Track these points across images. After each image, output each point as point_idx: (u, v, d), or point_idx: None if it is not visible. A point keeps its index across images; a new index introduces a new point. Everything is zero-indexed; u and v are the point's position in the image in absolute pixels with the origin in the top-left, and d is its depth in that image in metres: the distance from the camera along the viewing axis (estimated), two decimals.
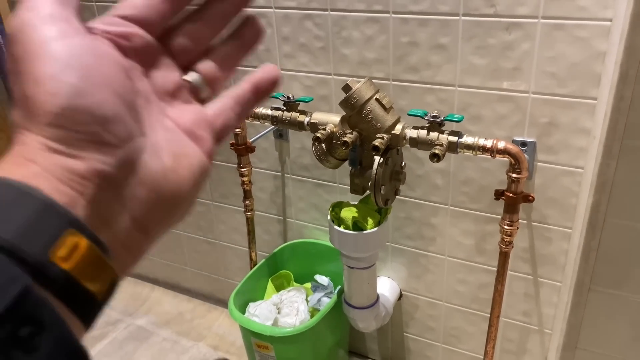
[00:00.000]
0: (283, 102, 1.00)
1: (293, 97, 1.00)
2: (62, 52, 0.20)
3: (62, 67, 0.20)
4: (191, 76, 0.26)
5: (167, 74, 0.25)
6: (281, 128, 1.17)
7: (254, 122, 1.07)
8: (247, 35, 0.27)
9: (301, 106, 1.01)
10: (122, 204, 0.21)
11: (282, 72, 1.17)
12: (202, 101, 0.26)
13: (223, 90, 0.27)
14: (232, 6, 0.26)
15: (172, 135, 0.24)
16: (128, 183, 0.21)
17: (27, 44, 0.20)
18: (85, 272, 0.19)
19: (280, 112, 1.01)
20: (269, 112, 1.02)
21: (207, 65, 0.26)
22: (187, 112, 0.25)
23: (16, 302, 0.17)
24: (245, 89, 0.27)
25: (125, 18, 0.23)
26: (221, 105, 0.26)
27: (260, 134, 1.15)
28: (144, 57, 0.24)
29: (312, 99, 1.06)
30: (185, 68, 0.26)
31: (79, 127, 0.20)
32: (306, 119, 0.98)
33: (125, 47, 0.23)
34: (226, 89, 0.27)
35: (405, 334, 1.34)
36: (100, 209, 0.20)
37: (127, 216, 0.21)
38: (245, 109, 0.27)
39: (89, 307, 0.20)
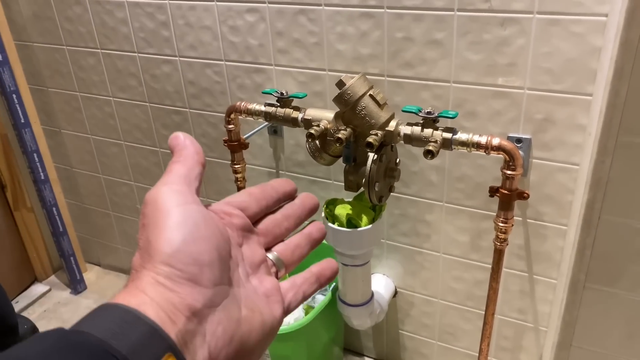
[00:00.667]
0: (277, 98, 0.99)
1: (287, 93, 0.99)
2: (180, 213, 0.27)
3: (179, 223, 0.26)
4: (272, 254, 0.33)
5: (255, 249, 0.32)
6: (275, 124, 1.17)
7: (248, 118, 1.06)
8: (314, 233, 0.35)
9: (295, 102, 1.00)
10: (203, 338, 0.25)
11: (276, 67, 1.16)
12: (277, 278, 0.33)
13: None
14: (304, 211, 0.36)
15: (252, 295, 0.29)
16: (210, 320, 0.26)
17: (157, 205, 0.27)
18: None
19: (273, 108, 1.00)
20: (263, 108, 1.02)
21: (283, 248, 0.34)
22: (266, 281, 0.31)
23: None
24: (312, 273, 0.34)
25: (231, 204, 0.32)
26: (293, 282, 0.33)
27: (254, 131, 1.14)
28: (241, 233, 0.31)
29: (306, 95, 1.05)
30: (267, 249, 0.33)
31: (182, 267, 0.25)
32: (300, 115, 0.97)
33: (227, 222, 0.31)
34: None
35: (400, 331, 1.33)
36: (186, 338, 0.24)
37: (206, 350, 0.25)
38: (311, 290, 0.34)
39: None
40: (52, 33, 1.43)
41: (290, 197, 0.36)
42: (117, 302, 0.24)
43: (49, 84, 1.53)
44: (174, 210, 0.27)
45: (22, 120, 1.50)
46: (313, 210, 0.36)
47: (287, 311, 0.32)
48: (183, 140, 0.30)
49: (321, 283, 0.34)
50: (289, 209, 0.35)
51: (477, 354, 1.07)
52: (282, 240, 0.35)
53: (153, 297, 0.24)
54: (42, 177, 1.57)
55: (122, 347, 0.22)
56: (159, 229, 0.26)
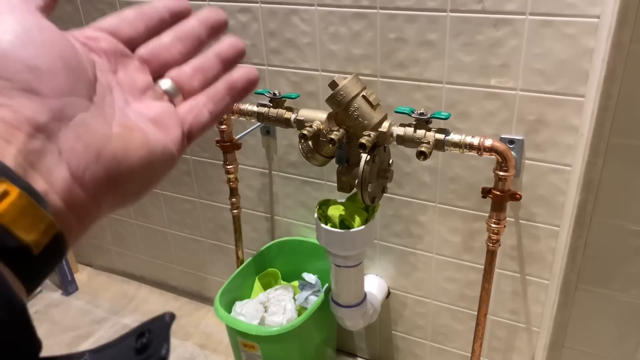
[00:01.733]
0: (269, 99, 0.99)
1: (279, 93, 0.99)
2: (9, 20, 0.22)
3: (5, 30, 0.21)
4: (163, 81, 0.28)
5: (136, 75, 0.27)
6: (267, 125, 1.16)
7: (240, 118, 1.05)
8: (225, 50, 0.29)
9: (288, 103, 1.00)
10: (58, 155, 0.21)
11: (269, 67, 1.15)
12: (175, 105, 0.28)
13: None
14: (203, 29, 0.29)
15: (130, 115, 0.25)
16: (63, 135, 0.21)
17: None
18: (17, 220, 0.19)
19: (266, 109, 0.99)
20: (255, 108, 1.01)
21: (178, 73, 0.28)
22: (154, 107, 0.27)
23: None
24: (220, 88, 0.28)
25: (96, 28, 0.27)
26: (194, 102, 0.28)
27: (247, 131, 1.14)
28: (113, 59, 0.27)
29: (299, 96, 1.05)
30: (161, 75, 0.28)
31: (10, 75, 0.21)
32: (292, 116, 0.97)
33: (92, 47, 0.26)
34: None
35: (393, 332, 1.33)
36: (32, 158, 0.20)
37: (64, 169, 0.21)
38: (220, 108, 0.28)
39: (24, 260, 0.19)
40: None
41: (181, 17, 0.29)
42: None
43: None
44: (3, 15, 0.22)
45: None
46: (216, 28, 0.30)
47: (189, 135, 0.27)
48: None
49: (233, 96, 0.29)
50: (181, 29, 0.29)
51: (470, 355, 1.07)
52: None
53: None
54: None
55: None
56: None
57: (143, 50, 0.28)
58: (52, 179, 0.21)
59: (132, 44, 0.28)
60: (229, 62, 0.29)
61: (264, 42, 1.13)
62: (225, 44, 0.29)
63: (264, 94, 0.99)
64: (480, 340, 1.03)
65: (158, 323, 0.22)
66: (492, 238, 0.92)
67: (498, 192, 0.87)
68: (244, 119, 1.05)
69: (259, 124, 1.06)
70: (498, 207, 0.89)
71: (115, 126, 0.24)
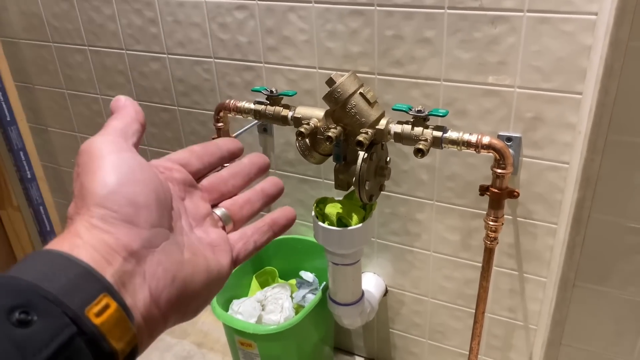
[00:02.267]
0: (266, 96, 0.98)
1: (276, 90, 0.98)
2: (115, 159, 0.27)
3: (113, 167, 0.26)
4: (219, 209, 0.33)
5: (199, 203, 0.32)
6: (264, 122, 1.16)
7: (237, 116, 1.05)
8: (268, 188, 0.35)
9: (285, 100, 0.99)
10: (143, 278, 0.25)
11: (266, 65, 1.15)
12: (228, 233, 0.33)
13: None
14: (252, 168, 0.35)
15: (195, 242, 0.29)
16: (149, 261, 0.25)
17: (91, 153, 0.27)
18: (112, 331, 0.22)
19: (263, 106, 0.99)
20: (252, 106, 1.01)
21: (232, 203, 0.34)
22: (211, 233, 0.31)
23: (66, 343, 0.21)
24: (264, 222, 0.34)
25: (171, 160, 0.32)
26: (243, 233, 0.33)
27: (244, 129, 1.13)
28: (183, 187, 0.31)
29: (296, 93, 1.05)
30: (214, 206, 0.33)
31: (117, 208, 0.25)
32: (290, 113, 0.96)
33: (168, 177, 0.31)
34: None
35: (391, 330, 1.33)
36: (124, 278, 0.24)
37: (147, 290, 0.25)
38: (264, 240, 0.33)
39: None
40: (39, 30, 1.41)
41: (236, 156, 0.35)
42: (48, 248, 0.24)
43: (36, 81, 1.51)
44: (109, 156, 0.27)
45: (8, 118, 1.48)
46: (263, 169, 0.36)
47: (236, 260, 0.31)
48: (124, 102, 0.30)
49: (275, 232, 0.34)
50: (236, 167, 0.35)
51: (468, 353, 1.07)
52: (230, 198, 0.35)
53: (87, 240, 0.24)
54: (29, 176, 1.55)
55: (53, 289, 0.21)
56: (92, 173, 0.26)
57: (206, 182, 0.33)
58: (137, 299, 0.24)
59: (197, 175, 0.33)
60: (272, 197, 0.35)
61: (261, 39, 1.12)
62: (269, 182, 0.35)
63: (260, 92, 0.99)
64: (478, 338, 1.03)
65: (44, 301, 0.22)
66: (490, 236, 0.92)
67: (496, 190, 0.87)
68: (241, 116, 1.04)
69: (255, 121, 1.06)
70: (496, 204, 0.89)
71: (186, 252, 0.28)
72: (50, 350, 0.20)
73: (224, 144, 0.35)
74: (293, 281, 1.32)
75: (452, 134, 0.83)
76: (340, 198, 1.00)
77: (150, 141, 1.41)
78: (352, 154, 0.89)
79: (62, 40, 1.39)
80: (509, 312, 1.14)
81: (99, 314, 0.22)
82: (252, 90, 1.03)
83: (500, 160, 0.84)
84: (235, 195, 0.34)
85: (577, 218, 0.94)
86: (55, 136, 1.59)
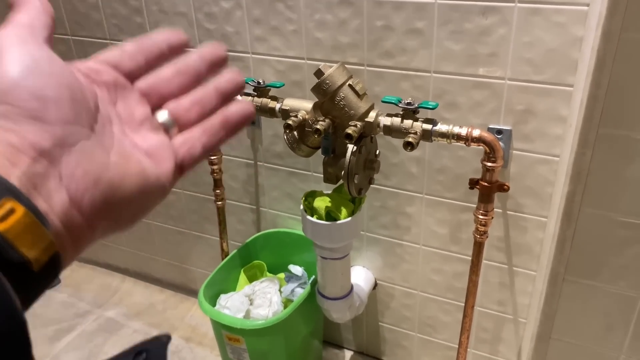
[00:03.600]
0: (253, 87, 0.97)
1: (264, 82, 0.96)
2: (17, 52, 0.24)
3: (14, 60, 0.23)
4: (160, 113, 0.29)
5: (134, 106, 0.28)
6: None
7: None
8: (222, 84, 0.30)
9: (273, 92, 0.98)
10: (59, 180, 0.22)
11: (253, 56, 1.13)
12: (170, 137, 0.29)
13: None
14: (202, 63, 0.30)
15: (127, 146, 0.26)
16: (65, 161, 0.23)
17: None
18: (21, 237, 0.20)
19: (250, 98, 0.97)
20: (239, 97, 0.99)
21: (176, 105, 0.29)
22: (150, 139, 0.28)
23: None
24: (215, 122, 0.30)
25: (98, 61, 0.28)
26: (189, 135, 0.29)
27: None
28: (113, 90, 0.28)
29: (284, 85, 1.03)
30: (159, 107, 0.30)
31: (20, 103, 0.22)
32: (277, 105, 0.94)
33: (94, 79, 0.27)
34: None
35: (380, 323, 1.33)
36: (35, 180, 0.22)
37: (64, 193, 0.23)
38: (214, 142, 0.29)
39: (24, 276, 0.20)
40: None
41: (178, 50, 0.31)
42: None
43: None
44: (10, 49, 0.24)
45: None
46: (216, 63, 0.31)
47: (181, 166, 0.28)
48: None
49: (227, 130, 0.30)
50: (181, 63, 0.30)
51: (457, 346, 1.06)
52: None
53: None
54: None
55: None
56: None
57: (143, 83, 0.29)
58: (53, 202, 0.22)
59: (133, 76, 0.29)
60: (227, 96, 0.30)
61: (248, 29, 1.10)
62: (225, 78, 0.31)
63: (248, 83, 0.97)
64: (467, 331, 1.03)
65: (156, 343, 0.24)
66: (480, 229, 0.91)
67: (486, 183, 0.86)
68: None
69: None
70: (486, 198, 0.88)
71: (113, 155, 0.25)
72: None
73: (162, 38, 0.30)
74: (282, 275, 1.31)
75: (442, 127, 0.82)
76: (329, 191, 0.98)
77: None
78: (341, 146, 0.88)
79: None
80: (498, 306, 1.14)
81: (2, 219, 0.20)
82: None
83: (490, 153, 0.83)
84: (180, 95, 0.30)
85: (568, 212, 0.93)
86: None
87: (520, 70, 0.90)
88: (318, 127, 0.83)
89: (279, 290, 1.25)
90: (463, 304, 1.01)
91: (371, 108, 0.85)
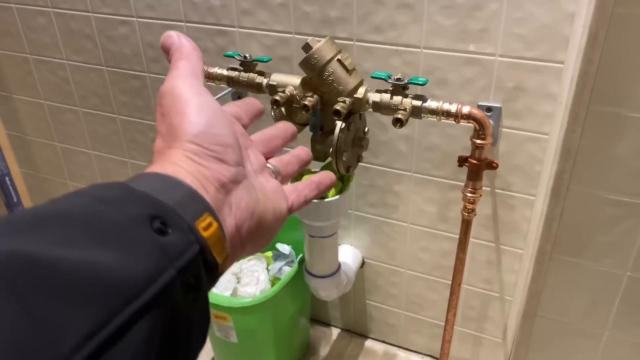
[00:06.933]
0: (240, 62, 0.94)
1: (250, 56, 0.94)
2: (200, 101, 0.29)
3: (200, 109, 0.29)
4: (270, 163, 0.36)
5: (257, 154, 0.35)
6: (238, 90, 1.11)
7: (210, 83, 1.01)
8: (302, 155, 0.40)
9: (259, 67, 0.95)
10: (230, 208, 0.28)
11: (240, 30, 1.10)
12: None
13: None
14: (288, 134, 0.40)
15: (264, 186, 0.33)
16: (234, 194, 0.29)
17: (175, 95, 0.29)
18: (215, 245, 0.25)
19: (236, 73, 0.95)
20: (225, 72, 0.96)
21: (276, 161, 0.37)
22: (271, 182, 0.34)
23: (194, 257, 0.23)
24: (312, 181, 0.38)
25: (230, 113, 0.35)
26: (295, 186, 0.36)
27: (217, 97, 1.09)
28: (243, 137, 0.34)
29: (271, 59, 1.00)
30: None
31: (208, 145, 0.28)
32: (264, 81, 0.92)
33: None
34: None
35: (367, 301, 1.33)
36: (217, 205, 0.27)
37: (232, 219, 0.28)
38: (312, 194, 0.37)
39: (212, 276, 0.26)
40: None
41: (261, 115, 0.39)
42: (154, 171, 0.26)
43: None
44: (193, 98, 0.29)
45: None
46: (294, 135, 0.40)
47: (290, 209, 0.34)
48: (178, 39, 0.32)
49: (320, 190, 0.38)
50: (273, 129, 0.39)
51: (444, 324, 1.07)
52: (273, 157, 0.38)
53: (186, 168, 0.27)
54: None
55: (169, 202, 0.24)
56: (181, 114, 0.29)
57: (257, 137, 0.37)
58: (225, 224, 0.27)
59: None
60: (306, 162, 0.40)
61: (234, 2, 1.07)
62: (302, 150, 0.40)
63: (234, 57, 0.94)
64: (454, 309, 1.03)
65: (175, 217, 0.25)
66: (468, 207, 0.90)
67: (475, 161, 0.85)
68: (214, 83, 1.00)
69: (229, 89, 1.02)
70: (474, 176, 0.87)
71: (258, 192, 0.31)
72: (184, 261, 0.23)
73: (253, 103, 0.39)
74: (269, 253, 1.30)
75: (431, 104, 0.81)
76: (317, 169, 0.97)
77: (119, 109, 1.36)
78: (329, 123, 0.86)
79: (23, 2, 1.31)
80: (485, 284, 1.14)
81: (205, 229, 0.25)
82: (225, 56, 0.99)
83: (480, 130, 0.82)
84: (273, 155, 0.38)
85: (556, 190, 0.93)
86: (20, 104, 1.52)
87: (511, 47, 0.89)
88: (306, 103, 0.81)
89: (267, 268, 1.25)
90: (450, 282, 1.02)
91: (360, 84, 0.84)
